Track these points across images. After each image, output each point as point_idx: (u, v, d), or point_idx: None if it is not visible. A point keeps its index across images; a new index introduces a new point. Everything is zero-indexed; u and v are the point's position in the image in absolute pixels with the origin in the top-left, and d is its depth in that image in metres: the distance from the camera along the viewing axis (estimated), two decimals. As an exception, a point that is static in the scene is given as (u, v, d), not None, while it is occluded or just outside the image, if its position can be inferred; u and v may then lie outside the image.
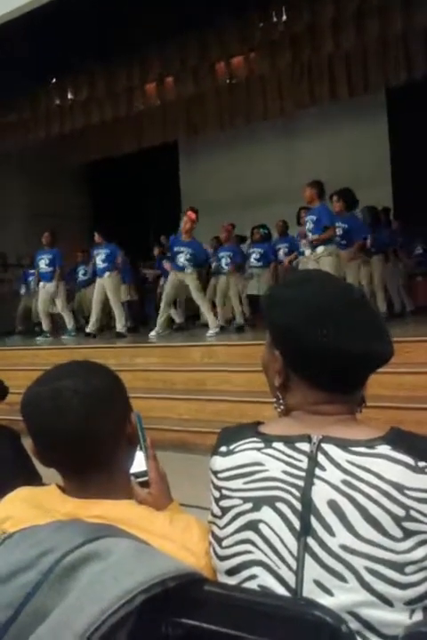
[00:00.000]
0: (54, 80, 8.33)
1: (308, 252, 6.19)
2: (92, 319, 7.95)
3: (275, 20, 6.41)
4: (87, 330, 7.97)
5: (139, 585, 0.65)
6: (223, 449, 0.94)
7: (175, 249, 7.12)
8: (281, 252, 8.43)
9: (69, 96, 8.39)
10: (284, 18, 6.39)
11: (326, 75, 8.12)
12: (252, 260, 8.10)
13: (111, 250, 7.93)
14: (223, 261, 7.86)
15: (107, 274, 7.82)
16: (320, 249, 6.01)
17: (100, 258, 7.90)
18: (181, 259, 7.04)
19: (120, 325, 7.85)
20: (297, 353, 0.91)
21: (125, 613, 0.64)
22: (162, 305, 7.43)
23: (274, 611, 0.64)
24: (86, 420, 0.91)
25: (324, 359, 0.88)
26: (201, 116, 9.41)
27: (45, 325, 8.48)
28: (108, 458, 0.95)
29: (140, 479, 1.02)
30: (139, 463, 1.02)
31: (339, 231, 6.56)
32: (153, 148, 10.19)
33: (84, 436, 0.91)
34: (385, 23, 6.54)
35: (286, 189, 10.39)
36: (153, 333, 7.30)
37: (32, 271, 9.73)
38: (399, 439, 0.85)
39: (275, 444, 0.89)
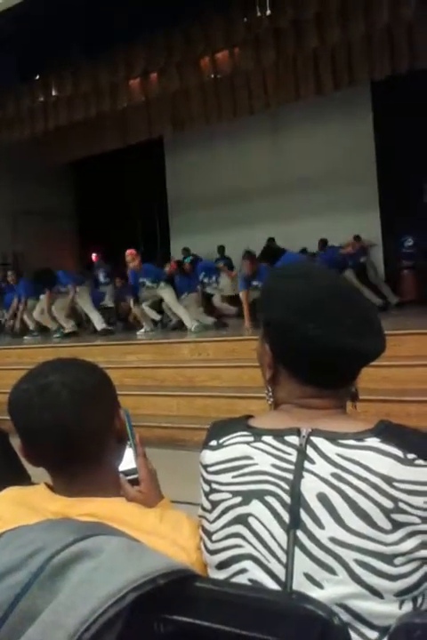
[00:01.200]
0: (38, 77, 8.24)
1: None
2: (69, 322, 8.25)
3: (259, 14, 6.38)
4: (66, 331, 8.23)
5: (129, 583, 0.65)
6: (213, 443, 0.94)
7: (141, 280, 7.46)
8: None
9: (53, 92, 8.29)
10: (268, 13, 6.36)
11: (310, 69, 8.11)
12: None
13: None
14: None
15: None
16: None
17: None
18: (148, 283, 7.46)
19: (99, 324, 8.09)
20: (286, 347, 0.91)
21: (116, 611, 0.63)
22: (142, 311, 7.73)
23: (265, 605, 0.64)
24: (74, 415, 0.90)
25: (312, 354, 0.88)
26: (186, 111, 9.36)
27: (32, 325, 8.52)
28: (96, 455, 0.95)
29: (130, 477, 1.01)
30: (128, 461, 1.02)
31: None
32: (138, 144, 10.13)
33: (72, 431, 0.90)
34: (370, 17, 6.54)
35: (273, 184, 10.42)
36: (141, 331, 7.43)
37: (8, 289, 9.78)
38: (389, 432, 0.85)
39: (264, 438, 0.89)
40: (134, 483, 1.01)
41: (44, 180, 11.44)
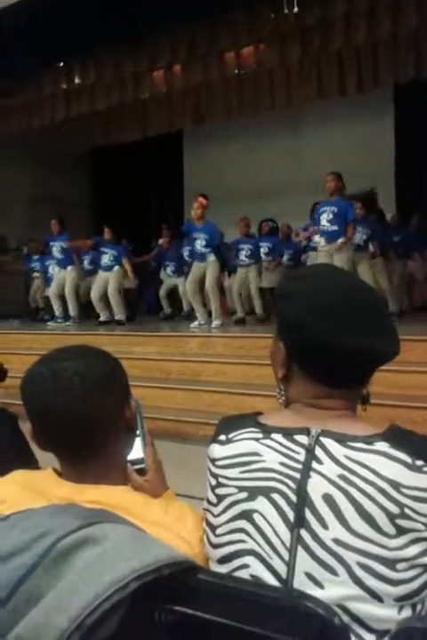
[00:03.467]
0: (61, 64, 8.26)
1: (323, 242, 6.15)
2: (103, 311, 8.07)
3: (286, 11, 6.34)
4: (101, 319, 8.08)
5: (133, 571, 0.65)
6: (222, 437, 0.94)
7: (193, 234, 7.00)
8: (285, 258, 8.45)
9: (76, 80, 8.32)
10: (295, 10, 6.32)
11: (335, 69, 8.07)
12: (261, 253, 8.08)
13: (118, 252, 8.12)
14: (243, 254, 7.82)
15: (116, 267, 7.99)
16: (340, 241, 6.00)
17: (107, 257, 8.03)
18: (198, 245, 6.93)
19: (118, 313, 7.91)
20: (299, 346, 0.92)
21: (119, 599, 0.64)
22: (192, 300, 7.29)
23: (266, 601, 0.65)
24: (85, 402, 0.91)
25: (325, 354, 0.88)
26: (208, 105, 9.36)
27: (57, 310, 8.53)
28: (105, 442, 0.95)
29: (137, 466, 1.02)
30: (136, 450, 1.03)
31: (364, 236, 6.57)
32: (158, 136, 10.13)
33: (82, 417, 0.91)
34: (397, 19, 6.50)
35: (291, 182, 10.36)
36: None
37: (36, 257, 9.77)
38: (398, 437, 0.86)
39: (274, 435, 0.90)
40: (141, 472, 1.02)
41: (63, 168, 11.47)
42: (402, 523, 0.79)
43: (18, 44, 7.04)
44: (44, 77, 8.54)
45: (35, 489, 0.93)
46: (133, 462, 1.02)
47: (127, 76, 8.21)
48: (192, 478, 1.30)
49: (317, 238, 6.24)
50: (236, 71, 8.02)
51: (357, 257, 6.42)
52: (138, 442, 1.03)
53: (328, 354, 0.88)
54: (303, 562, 0.81)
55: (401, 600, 0.79)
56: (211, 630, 0.64)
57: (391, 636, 0.66)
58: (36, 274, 9.86)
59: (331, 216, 6.09)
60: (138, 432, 1.03)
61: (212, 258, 6.87)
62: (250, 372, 5.39)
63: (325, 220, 6.15)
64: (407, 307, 8.44)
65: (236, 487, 0.89)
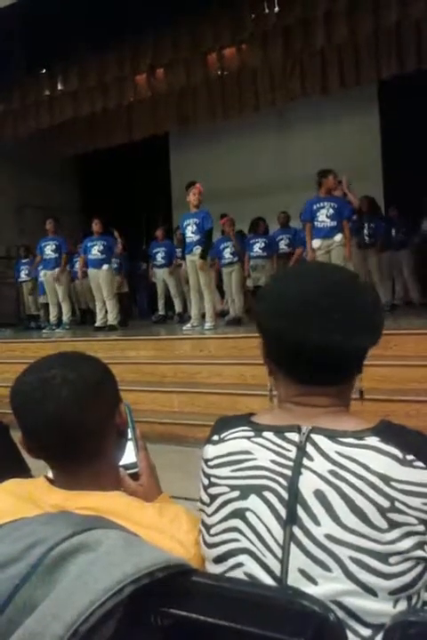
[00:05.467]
0: (44, 70, 8.24)
1: (318, 243, 6.18)
2: (100, 313, 7.94)
3: (267, 11, 6.38)
4: (97, 325, 7.95)
5: (128, 576, 0.65)
6: (215, 438, 0.95)
7: (184, 223, 6.92)
8: (282, 244, 8.46)
9: (59, 86, 8.31)
10: (276, 9, 6.36)
11: (317, 67, 8.11)
12: (256, 250, 8.09)
13: (108, 241, 7.95)
14: (227, 252, 7.81)
15: (105, 266, 7.82)
16: (338, 237, 6.05)
17: (97, 249, 7.86)
18: (189, 232, 6.84)
19: (112, 318, 7.85)
20: (274, 346, 0.92)
21: (114, 604, 0.64)
22: (192, 296, 7.16)
23: (262, 600, 0.65)
24: (75, 409, 0.91)
25: (301, 354, 0.88)
26: (192, 107, 9.37)
27: (52, 316, 8.48)
28: (96, 449, 0.95)
29: (130, 471, 1.01)
30: (129, 455, 1.02)
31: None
32: (143, 139, 10.13)
33: (72, 425, 0.91)
34: (378, 16, 6.54)
35: (278, 181, 10.39)
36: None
37: (24, 261, 9.75)
38: (388, 431, 0.86)
39: (265, 434, 0.90)
40: (134, 477, 1.01)
41: (49, 175, 11.46)
42: (393, 516, 0.80)
43: (0, 52, 7.02)
44: (27, 84, 8.52)
45: (27, 498, 0.92)
46: (126, 467, 1.01)
47: (110, 80, 8.20)
48: (189, 481, 1.30)
49: (314, 243, 6.27)
50: (219, 72, 8.04)
51: (366, 254, 6.48)
52: (130, 446, 1.03)
53: (303, 354, 0.88)
54: (296, 559, 0.81)
55: (396, 593, 0.79)
56: (207, 632, 0.64)
57: (387, 630, 0.66)
58: (24, 278, 9.87)
59: (331, 211, 6.13)
60: (130, 436, 1.03)
61: (198, 250, 6.74)
62: (245, 372, 5.40)
63: (324, 215, 6.19)
64: (401, 299, 8.49)
65: (228, 486, 0.89)
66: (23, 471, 1.35)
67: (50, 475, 0.98)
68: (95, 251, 7.86)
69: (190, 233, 6.81)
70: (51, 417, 0.90)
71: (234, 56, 7.66)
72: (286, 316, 0.88)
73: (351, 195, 6.57)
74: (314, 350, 0.87)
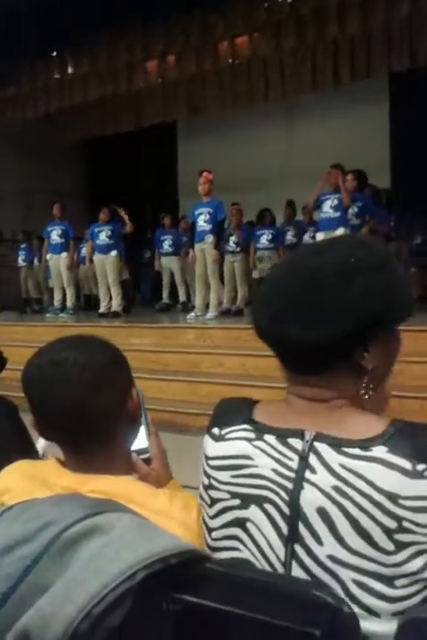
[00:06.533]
0: (55, 54, 8.20)
1: (322, 236, 6.15)
2: (104, 299, 7.94)
3: (280, 0, 6.33)
4: (101, 311, 7.96)
5: (141, 561, 0.65)
6: (216, 431, 0.92)
7: (196, 212, 6.88)
8: (289, 235, 8.44)
9: (69, 70, 8.27)
10: (289, -1, 6.32)
11: (329, 59, 8.05)
12: (262, 241, 8.07)
13: (115, 227, 7.95)
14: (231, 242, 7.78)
15: (113, 252, 7.82)
16: (340, 231, 6.02)
17: (105, 234, 7.86)
18: (201, 221, 6.81)
19: (116, 304, 7.86)
20: (261, 338, 0.90)
21: (126, 588, 0.64)
22: (197, 284, 7.12)
23: (276, 590, 0.64)
24: (87, 392, 0.90)
25: (269, 341, 0.87)
26: (201, 96, 9.31)
27: (56, 300, 8.49)
28: (108, 432, 0.95)
29: (142, 456, 1.01)
30: (140, 440, 1.02)
31: (354, 210, 6.53)
32: (151, 127, 10.08)
33: (84, 408, 0.90)
34: (391, 8, 6.49)
35: (285, 173, 10.34)
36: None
37: (23, 246, 9.80)
38: (398, 438, 0.79)
39: (266, 437, 0.86)
40: (145, 462, 1.01)
41: (56, 159, 11.42)
42: (401, 537, 0.76)
43: (11, 35, 6.97)
44: (37, 68, 8.48)
45: (38, 479, 0.92)
46: (138, 452, 1.01)
47: (121, 66, 8.16)
48: (190, 469, 1.30)
49: (318, 237, 6.29)
50: (230, 61, 7.98)
51: None
52: (142, 431, 1.02)
53: (271, 341, 0.87)
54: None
55: (400, 615, 0.75)
56: (219, 619, 0.63)
57: (400, 626, 0.66)
58: (22, 263, 9.94)
59: (336, 202, 6.11)
60: (142, 422, 1.03)
61: (210, 239, 6.73)
62: (247, 362, 5.39)
63: (328, 206, 6.17)
64: None
65: (228, 492, 0.87)
66: (31, 452, 1.35)
67: (61, 457, 0.98)
68: (103, 236, 7.86)
69: (203, 222, 6.78)
70: (62, 399, 0.90)
71: (246, 45, 7.61)
72: (262, 299, 0.89)
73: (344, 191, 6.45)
74: (276, 339, 0.86)
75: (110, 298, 7.94)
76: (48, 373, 0.91)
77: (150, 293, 10.65)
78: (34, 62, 8.27)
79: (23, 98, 9.22)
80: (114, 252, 7.83)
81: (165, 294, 9.11)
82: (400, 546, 0.75)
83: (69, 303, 8.44)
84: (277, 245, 8.11)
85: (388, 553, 0.75)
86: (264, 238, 8.10)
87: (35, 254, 10.01)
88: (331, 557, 0.78)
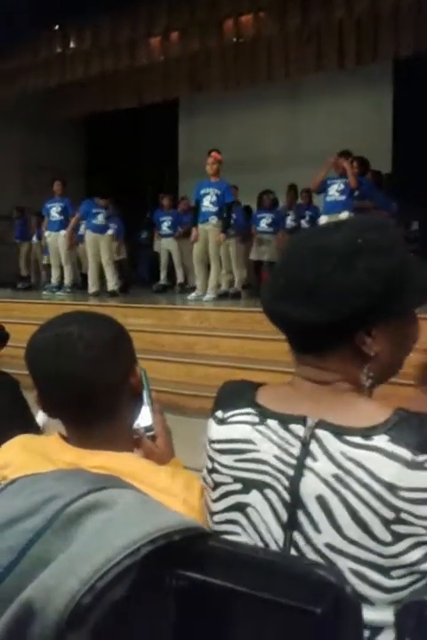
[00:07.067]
0: (57, 27, 8.08)
1: (325, 220, 6.16)
2: (96, 281, 7.94)
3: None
4: (90, 291, 7.95)
5: (145, 536, 0.65)
6: (219, 414, 0.91)
7: (202, 192, 6.75)
8: (289, 220, 8.40)
9: (72, 44, 8.16)
10: (297, -22, 6.24)
11: (334, 41, 7.96)
12: (262, 225, 8.03)
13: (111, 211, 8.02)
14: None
15: (109, 231, 7.84)
16: (344, 214, 6.01)
17: (102, 216, 7.88)
18: (206, 201, 6.71)
19: (112, 284, 7.84)
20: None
21: (130, 563, 0.64)
22: (196, 265, 7.06)
23: (279, 568, 0.65)
24: (90, 367, 0.91)
25: (273, 319, 0.88)
26: (204, 74, 9.22)
27: (54, 278, 8.48)
28: (110, 408, 0.95)
29: (147, 434, 1.01)
30: (145, 417, 1.02)
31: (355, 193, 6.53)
32: (153, 104, 9.98)
33: (88, 382, 0.90)
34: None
35: (288, 155, 10.27)
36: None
37: (18, 222, 9.80)
38: (401, 427, 0.78)
39: (269, 422, 0.86)
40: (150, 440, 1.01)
41: (56, 135, 11.31)
42: (399, 528, 0.76)
43: (13, 7, 6.86)
44: (39, 40, 8.36)
45: (40, 453, 0.92)
46: (144, 430, 1.01)
47: (123, 41, 8.05)
48: (186, 450, 1.31)
49: (321, 219, 6.29)
50: (234, 39, 7.89)
51: None
52: (146, 409, 1.02)
53: (275, 320, 0.88)
54: None
55: (395, 604, 0.76)
56: (222, 596, 0.64)
57: (401, 609, 0.66)
58: (17, 240, 10.00)
59: (343, 186, 6.10)
60: (145, 399, 1.03)
61: (214, 220, 6.65)
62: (244, 345, 5.40)
63: (334, 190, 6.16)
64: None
65: (230, 476, 0.87)
66: (31, 428, 1.35)
67: (62, 432, 0.98)
68: (100, 217, 7.88)
69: (208, 202, 6.69)
70: (65, 374, 0.90)
71: (251, 23, 7.52)
72: (268, 282, 0.90)
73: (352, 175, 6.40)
74: (271, 316, 0.87)
75: (101, 278, 7.90)
76: (53, 347, 0.91)
77: (148, 274, 10.62)
78: (35, 35, 8.14)
79: (23, 71, 9.09)
80: (109, 231, 7.84)
81: (162, 275, 9.08)
82: (398, 537, 0.75)
83: (67, 281, 8.40)
84: (276, 229, 8.07)
85: (385, 544, 0.75)
86: (264, 222, 8.06)
87: (32, 231, 9.97)
88: (329, 546, 0.78)
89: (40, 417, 1.41)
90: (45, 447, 0.95)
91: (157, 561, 0.65)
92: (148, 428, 1.02)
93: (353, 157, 6.54)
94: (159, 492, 0.85)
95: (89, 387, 0.91)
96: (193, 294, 7.03)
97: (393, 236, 0.86)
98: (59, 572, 0.64)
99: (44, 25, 7.83)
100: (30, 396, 1.01)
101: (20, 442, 0.97)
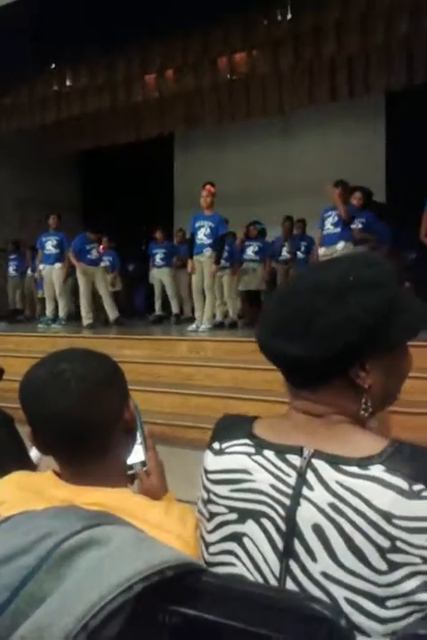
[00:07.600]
0: (53, 66, 8.24)
1: (323, 251, 6.24)
2: (89, 313, 8.03)
3: (279, 18, 6.40)
4: (85, 323, 8.01)
5: (138, 573, 0.65)
6: (216, 446, 0.92)
7: (197, 224, 6.89)
8: (284, 251, 8.48)
9: (68, 83, 8.30)
10: (288, 17, 6.38)
11: (327, 75, 8.13)
12: (249, 254, 8.09)
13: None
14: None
15: (102, 263, 8.15)
16: (341, 245, 6.08)
17: (95, 250, 8.08)
18: (201, 234, 6.83)
19: (113, 315, 7.96)
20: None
21: (123, 601, 0.64)
22: (194, 298, 7.14)
23: (273, 603, 0.64)
24: (84, 404, 0.91)
25: (267, 355, 0.89)
26: (199, 110, 9.37)
27: (49, 311, 8.52)
28: (104, 445, 0.95)
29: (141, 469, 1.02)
30: (138, 453, 1.02)
31: (358, 226, 6.58)
32: (148, 140, 10.13)
33: (81, 419, 0.91)
34: (389, 27, 6.57)
35: (281, 189, 10.40)
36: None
37: (12, 257, 9.86)
38: (397, 457, 0.79)
39: (266, 452, 0.87)
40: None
41: (52, 170, 11.44)
42: (394, 557, 0.75)
43: (10, 46, 7.01)
44: (35, 79, 8.51)
45: (34, 490, 0.92)
46: (134, 466, 1.01)
47: (119, 79, 8.20)
48: (180, 482, 1.30)
49: (320, 251, 6.34)
50: (228, 76, 8.05)
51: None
52: (139, 445, 1.03)
53: (272, 357, 0.89)
54: None
55: (390, 635, 0.76)
56: (216, 632, 0.63)
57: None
58: (13, 274, 10.08)
59: (336, 218, 6.18)
60: (138, 435, 1.03)
61: (209, 252, 6.78)
62: (239, 376, 5.39)
63: (329, 223, 6.24)
64: None
65: (226, 507, 0.88)
66: (27, 465, 1.35)
67: (57, 469, 0.98)
68: (94, 251, 8.07)
69: (203, 235, 6.83)
70: (60, 411, 0.90)
71: (244, 61, 7.68)
72: (262, 317, 0.91)
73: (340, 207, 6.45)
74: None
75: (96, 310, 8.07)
76: (46, 385, 0.91)
77: (143, 305, 10.66)
78: (32, 74, 8.30)
79: (20, 108, 9.24)
80: (103, 263, 8.16)
81: (157, 306, 9.11)
82: (394, 566, 0.75)
83: (62, 313, 8.42)
84: (263, 257, 8.11)
85: (381, 572, 0.75)
86: (250, 250, 8.11)
87: (28, 265, 10.03)
88: (324, 574, 0.78)
89: (34, 453, 1.41)
90: (40, 484, 0.94)
91: (151, 597, 0.65)
92: (141, 464, 1.02)
93: (355, 188, 6.60)
94: (153, 528, 0.85)
95: (82, 425, 0.91)
96: (193, 325, 7.07)
97: (386, 272, 0.87)
98: (52, 611, 0.63)
99: (41, 64, 7.98)
100: (23, 431, 1.01)
101: (14, 479, 0.97)
